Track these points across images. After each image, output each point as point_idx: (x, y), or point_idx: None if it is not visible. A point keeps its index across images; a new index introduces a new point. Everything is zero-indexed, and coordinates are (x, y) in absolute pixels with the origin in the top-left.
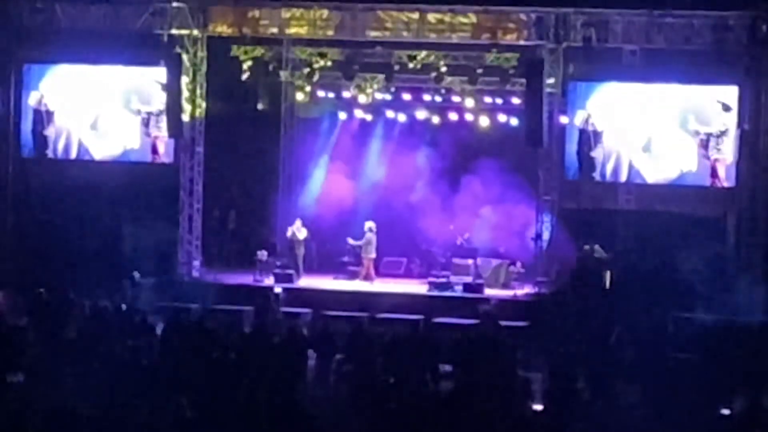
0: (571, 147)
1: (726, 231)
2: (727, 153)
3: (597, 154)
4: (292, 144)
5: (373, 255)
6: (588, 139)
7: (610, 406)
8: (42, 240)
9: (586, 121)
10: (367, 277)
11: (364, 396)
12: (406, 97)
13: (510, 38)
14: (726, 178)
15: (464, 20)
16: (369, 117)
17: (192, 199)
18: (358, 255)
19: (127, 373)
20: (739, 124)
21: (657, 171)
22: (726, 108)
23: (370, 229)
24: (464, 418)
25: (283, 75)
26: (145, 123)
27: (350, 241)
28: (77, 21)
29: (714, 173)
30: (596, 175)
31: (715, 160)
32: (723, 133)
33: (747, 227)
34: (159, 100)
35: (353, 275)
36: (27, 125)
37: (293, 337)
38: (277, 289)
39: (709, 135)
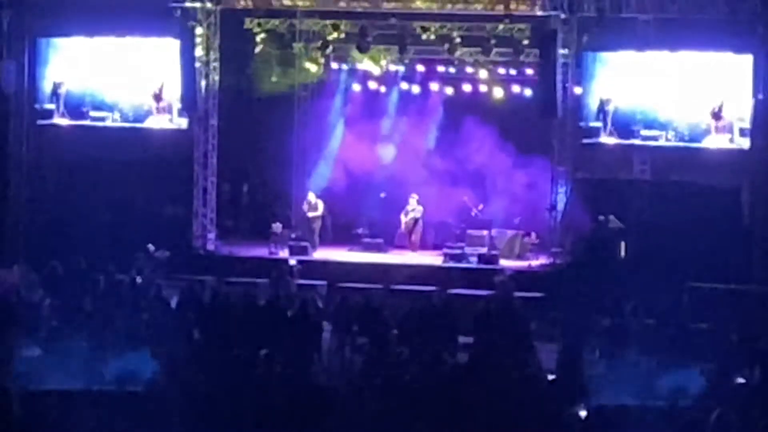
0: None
1: (741, 200)
2: (740, 121)
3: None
4: (305, 116)
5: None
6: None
7: (624, 376)
8: (56, 213)
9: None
10: (414, 247)
11: (378, 367)
12: (420, 68)
13: (523, 9)
14: (740, 147)
15: None
16: (383, 89)
17: (206, 171)
18: (373, 227)
19: (142, 347)
20: (754, 94)
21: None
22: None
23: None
24: (479, 390)
25: (297, 47)
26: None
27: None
28: None
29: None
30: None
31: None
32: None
33: (762, 196)
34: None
35: (370, 247)
36: (41, 99)
37: (308, 310)
38: (292, 262)
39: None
